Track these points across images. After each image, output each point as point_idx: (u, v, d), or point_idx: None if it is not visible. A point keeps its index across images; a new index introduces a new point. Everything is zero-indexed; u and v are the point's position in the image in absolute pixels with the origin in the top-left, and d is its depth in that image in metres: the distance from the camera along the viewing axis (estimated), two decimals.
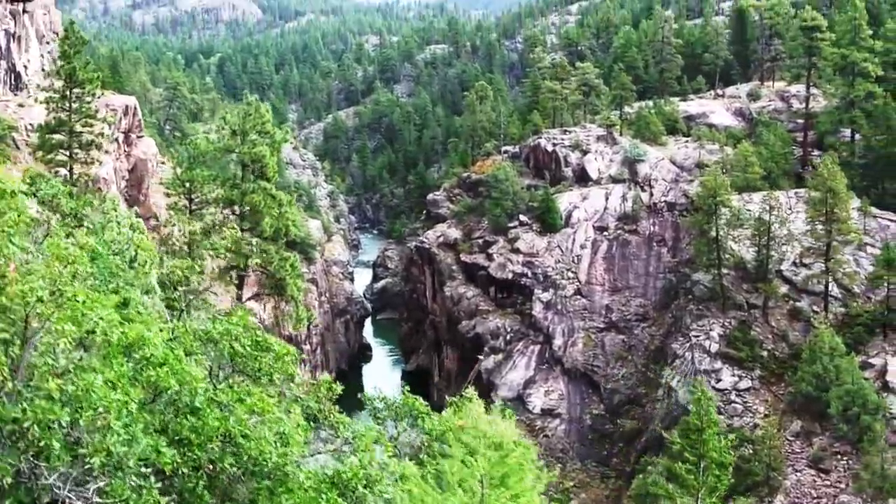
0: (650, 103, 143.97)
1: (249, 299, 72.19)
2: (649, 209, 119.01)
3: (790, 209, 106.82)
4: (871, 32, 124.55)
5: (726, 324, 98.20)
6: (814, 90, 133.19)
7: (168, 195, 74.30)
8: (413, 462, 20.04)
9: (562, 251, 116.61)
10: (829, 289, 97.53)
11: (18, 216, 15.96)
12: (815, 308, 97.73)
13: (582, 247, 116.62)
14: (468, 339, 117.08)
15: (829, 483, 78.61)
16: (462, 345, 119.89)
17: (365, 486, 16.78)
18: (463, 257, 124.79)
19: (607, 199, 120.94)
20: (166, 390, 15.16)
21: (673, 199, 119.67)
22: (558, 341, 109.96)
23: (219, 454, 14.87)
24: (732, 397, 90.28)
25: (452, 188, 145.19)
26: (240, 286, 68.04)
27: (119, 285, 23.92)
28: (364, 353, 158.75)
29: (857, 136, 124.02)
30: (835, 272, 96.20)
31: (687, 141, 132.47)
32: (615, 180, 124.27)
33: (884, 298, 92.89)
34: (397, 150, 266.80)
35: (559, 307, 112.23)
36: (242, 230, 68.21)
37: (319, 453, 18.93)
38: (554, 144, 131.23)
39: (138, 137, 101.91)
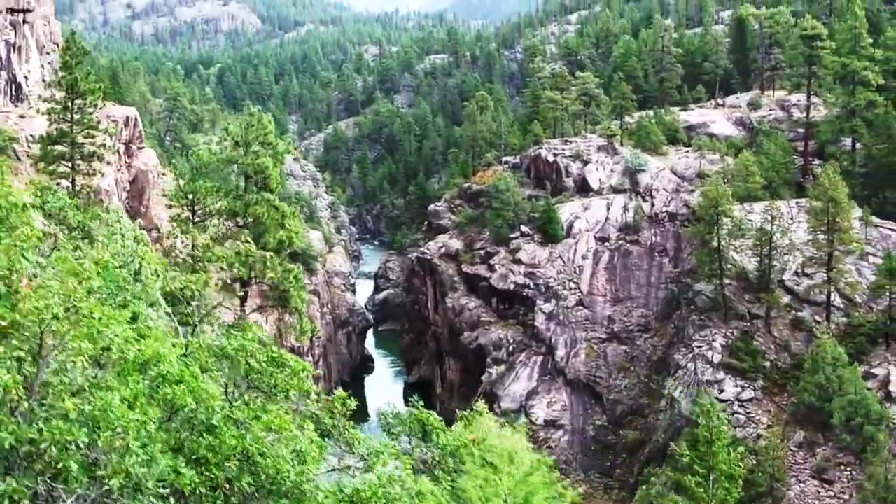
0: (650, 113, 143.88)
1: (253, 312, 71.92)
2: (650, 219, 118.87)
3: (791, 219, 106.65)
4: (871, 41, 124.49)
5: (728, 334, 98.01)
6: (814, 99, 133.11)
7: (170, 206, 74.06)
8: (428, 478, 19.85)
9: (563, 262, 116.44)
10: (832, 299, 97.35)
11: (31, 230, 15.79)
12: (817, 318, 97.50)
13: (583, 257, 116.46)
14: (470, 350, 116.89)
15: (832, 494, 78.44)
16: (464, 356, 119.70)
17: None
18: (464, 268, 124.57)
19: (608, 209, 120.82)
20: (182, 408, 14.97)
21: (674, 210, 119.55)
22: (560, 352, 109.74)
23: (236, 473, 14.68)
24: (735, 408, 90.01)
25: (453, 199, 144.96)
26: (244, 298, 67.74)
27: (127, 299, 23.75)
28: (366, 365, 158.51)
29: (858, 145, 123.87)
30: (837, 282, 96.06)
31: (688, 151, 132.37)
32: (616, 190, 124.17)
33: (886, 308, 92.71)
34: (398, 160, 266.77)
35: (561, 318, 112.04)
36: (237, 241, 67.97)
37: (334, 469, 18.75)
38: (555, 155, 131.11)
39: (139, 148, 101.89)
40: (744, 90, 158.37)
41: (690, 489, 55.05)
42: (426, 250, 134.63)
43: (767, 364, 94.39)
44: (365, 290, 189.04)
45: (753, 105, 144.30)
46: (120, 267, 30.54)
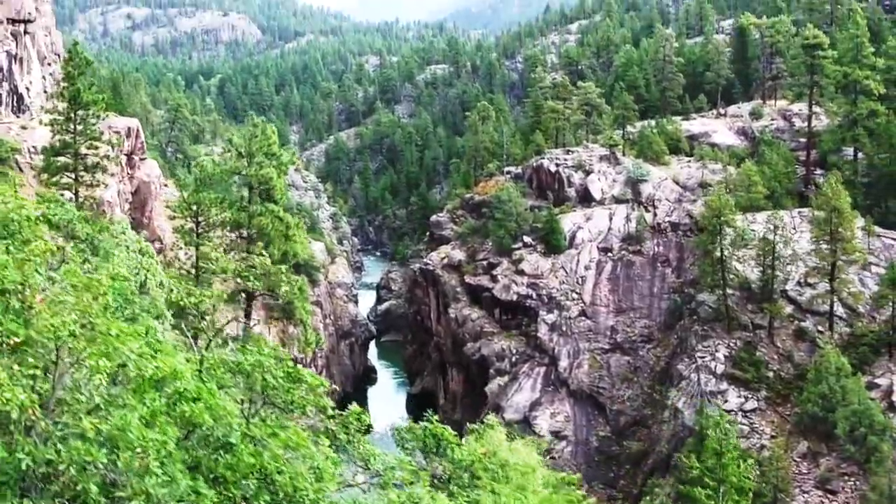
0: (652, 123, 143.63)
1: (257, 324, 71.80)
2: (653, 229, 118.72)
3: (794, 229, 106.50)
4: (872, 50, 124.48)
5: (731, 344, 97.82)
6: (816, 109, 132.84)
7: (172, 218, 73.99)
8: (444, 493, 19.66)
9: (566, 272, 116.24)
10: (834, 309, 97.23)
11: (45, 245, 15.64)
12: (820, 328, 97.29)
13: (586, 268, 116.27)
14: (473, 361, 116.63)
15: None
16: (467, 367, 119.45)
17: None
18: (467, 279, 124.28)
19: (611, 219, 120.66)
20: (200, 426, 14.77)
21: (677, 220, 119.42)
22: (564, 363, 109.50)
23: (254, 491, 14.49)
24: (739, 418, 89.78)
25: (455, 209, 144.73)
26: (248, 310, 67.64)
27: (135, 312, 23.64)
28: (369, 376, 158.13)
29: (860, 155, 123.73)
30: (840, 292, 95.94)
31: (690, 160, 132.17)
32: (618, 200, 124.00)
33: (889, 318, 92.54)
34: (399, 171, 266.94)
35: (564, 328, 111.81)
36: (250, 253, 67.91)
37: (350, 485, 18.58)
38: (557, 165, 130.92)
39: (141, 160, 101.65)
40: (745, 100, 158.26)
41: (700, 502, 54.83)
42: (428, 261, 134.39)
43: (771, 374, 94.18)
44: (367, 301, 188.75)
45: (755, 114, 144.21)
46: (114, 278, 30.38)
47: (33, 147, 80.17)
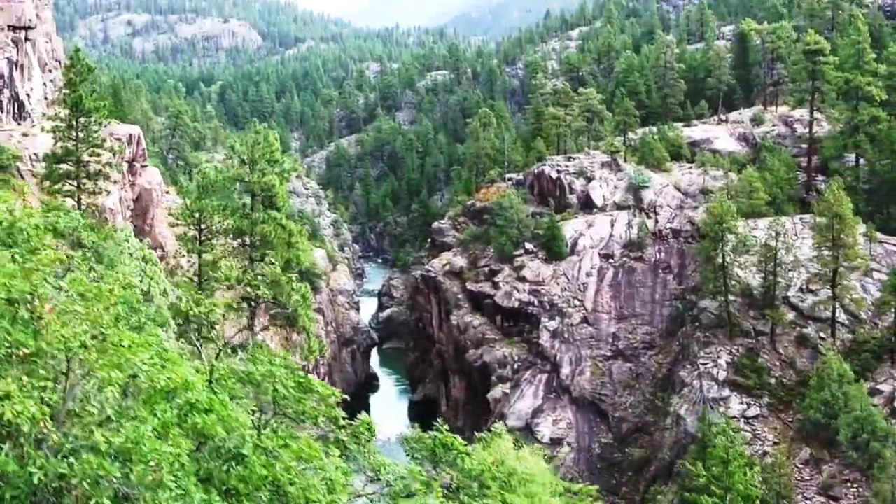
0: (654, 129, 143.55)
1: (259, 332, 71.67)
2: (655, 236, 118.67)
3: (796, 235, 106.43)
4: (874, 56, 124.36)
5: (734, 351, 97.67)
6: (817, 115, 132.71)
7: (174, 225, 73.84)
8: None
9: (568, 279, 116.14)
10: (836, 315, 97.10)
11: (54, 254, 15.55)
12: (822, 335, 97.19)
13: (588, 274, 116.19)
14: (475, 368, 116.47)
15: None
16: (469, 374, 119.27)
17: None
18: (469, 286, 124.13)
19: (612, 226, 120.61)
20: (212, 437, 14.64)
21: (678, 226, 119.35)
22: (566, 370, 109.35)
23: (267, 503, 14.40)
24: (741, 425, 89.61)
25: (457, 216, 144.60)
26: (251, 318, 67.53)
27: (141, 321, 23.53)
28: (371, 383, 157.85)
29: (862, 161, 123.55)
30: (842, 298, 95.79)
31: (691, 167, 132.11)
32: (620, 207, 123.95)
33: (891, 324, 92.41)
34: (400, 177, 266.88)
35: (566, 335, 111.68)
36: (253, 260, 67.84)
37: (360, 496, 18.49)
38: (558, 171, 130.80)
39: (142, 167, 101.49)
40: (746, 106, 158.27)
41: None
42: (430, 268, 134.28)
43: (773, 381, 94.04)
44: (369, 308, 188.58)
45: (756, 121, 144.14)
46: (125, 288, 30.29)
47: (35, 154, 80.00)
